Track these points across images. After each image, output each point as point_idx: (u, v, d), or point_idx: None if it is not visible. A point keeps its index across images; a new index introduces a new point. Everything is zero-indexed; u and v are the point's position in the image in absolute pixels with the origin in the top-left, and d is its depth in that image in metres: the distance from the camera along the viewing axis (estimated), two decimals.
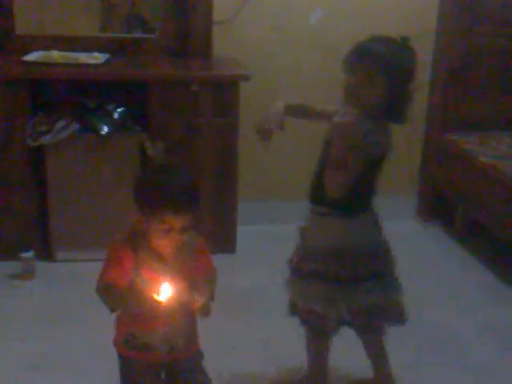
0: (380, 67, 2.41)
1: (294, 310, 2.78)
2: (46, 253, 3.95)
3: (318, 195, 2.59)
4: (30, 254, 3.76)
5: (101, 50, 4.07)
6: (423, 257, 4.33)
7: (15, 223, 3.89)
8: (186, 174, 2.32)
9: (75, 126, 3.78)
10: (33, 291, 3.68)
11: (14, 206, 3.86)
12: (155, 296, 2.23)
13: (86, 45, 4.13)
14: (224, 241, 4.06)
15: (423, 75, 4.57)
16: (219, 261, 3.14)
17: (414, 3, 4.45)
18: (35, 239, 3.92)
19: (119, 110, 3.89)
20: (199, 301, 2.32)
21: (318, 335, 2.80)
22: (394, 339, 3.36)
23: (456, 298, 3.83)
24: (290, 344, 2.87)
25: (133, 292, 2.27)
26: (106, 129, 3.79)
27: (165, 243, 2.26)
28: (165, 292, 2.23)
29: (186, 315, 2.34)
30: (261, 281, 3.83)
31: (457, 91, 4.49)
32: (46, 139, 3.74)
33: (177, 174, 2.28)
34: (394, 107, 2.48)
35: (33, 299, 3.61)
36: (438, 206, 4.76)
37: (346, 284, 2.59)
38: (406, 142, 4.69)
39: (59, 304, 3.54)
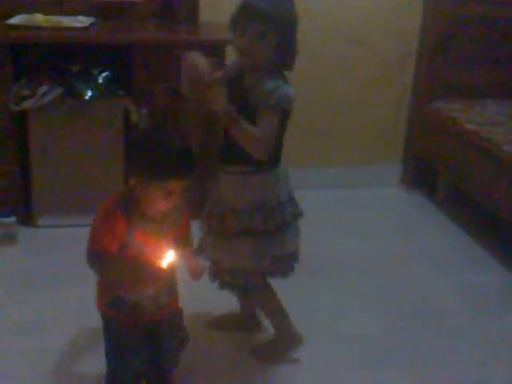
0: (268, 23, 2.46)
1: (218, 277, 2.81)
2: (27, 218, 3.93)
3: (230, 156, 2.65)
4: (11, 220, 3.73)
5: (86, 14, 4.02)
6: (406, 224, 4.36)
7: None
8: (181, 137, 2.32)
9: (59, 90, 3.73)
10: (14, 257, 3.65)
11: None
12: (158, 262, 2.22)
13: (71, 8, 4.06)
14: None
15: (411, 43, 4.56)
16: None
17: None
18: (17, 204, 3.88)
19: (104, 74, 3.84)
20: (204, 266, 2.38)
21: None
22: (372, 303, 3.40)
23: (436, 263, 3.86)
24: None
25: (125, 256, 2.26)
26: (89, 93, 3.75)
27: (162, 206, 2.25)
28: (168, 258, 2.23)
29: (169, 273, 2.33)
30: None
31: (444, 59, 4.47)
32: (29, 103, 3.69)
33: (174, 138, 2.27)
34: (287, 56, 2.56)
35: (14, 265, 3.58)
36: (421, 174, 4.76)
37: (276, 233, 2.67)
38: (392, 111, 4.68)
39: (41, 270, 3.51)
